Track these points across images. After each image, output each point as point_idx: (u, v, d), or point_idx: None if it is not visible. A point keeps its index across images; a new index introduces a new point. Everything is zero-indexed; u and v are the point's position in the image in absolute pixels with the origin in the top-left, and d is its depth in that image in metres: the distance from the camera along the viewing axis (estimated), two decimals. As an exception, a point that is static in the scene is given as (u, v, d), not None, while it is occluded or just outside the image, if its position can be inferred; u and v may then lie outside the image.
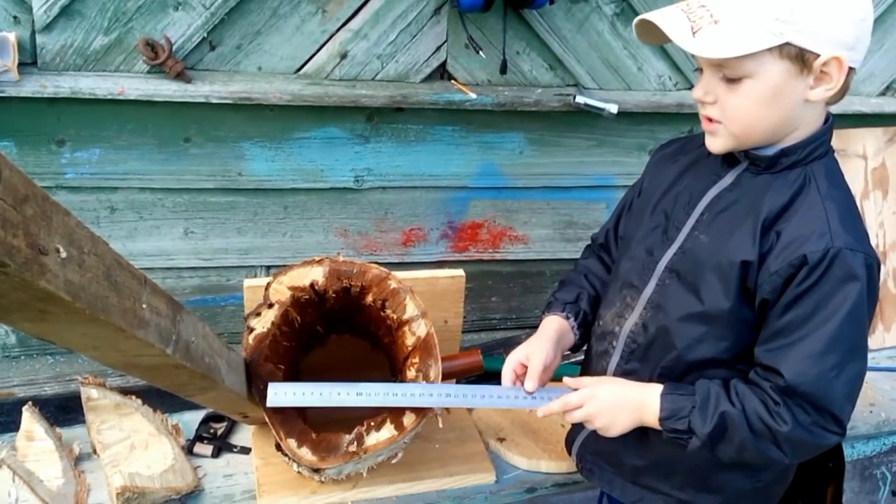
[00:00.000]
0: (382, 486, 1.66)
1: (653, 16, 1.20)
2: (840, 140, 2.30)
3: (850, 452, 2.10)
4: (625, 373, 1.41)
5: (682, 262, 1.32)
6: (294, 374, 1.75)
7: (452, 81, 1.94)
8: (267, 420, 1.44)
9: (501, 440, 1.83)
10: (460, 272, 1.84)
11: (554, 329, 1.49)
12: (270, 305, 1.47)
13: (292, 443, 1.42)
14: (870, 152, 2.34)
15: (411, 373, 1.46)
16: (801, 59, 1.16)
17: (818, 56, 1.15)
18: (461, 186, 2.06)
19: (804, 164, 1.25)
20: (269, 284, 1.48)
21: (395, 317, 1.49)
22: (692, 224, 1.31)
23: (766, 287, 1.22)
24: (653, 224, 1.38)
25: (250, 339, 1.47)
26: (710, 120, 1.25)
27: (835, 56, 1.15)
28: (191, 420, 1.85)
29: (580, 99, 1.94)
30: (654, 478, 1.45)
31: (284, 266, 1.49)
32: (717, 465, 1.37)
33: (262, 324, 1.48)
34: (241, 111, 1.80)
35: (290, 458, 1.44)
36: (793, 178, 1.25)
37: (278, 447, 1.44)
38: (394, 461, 1.57)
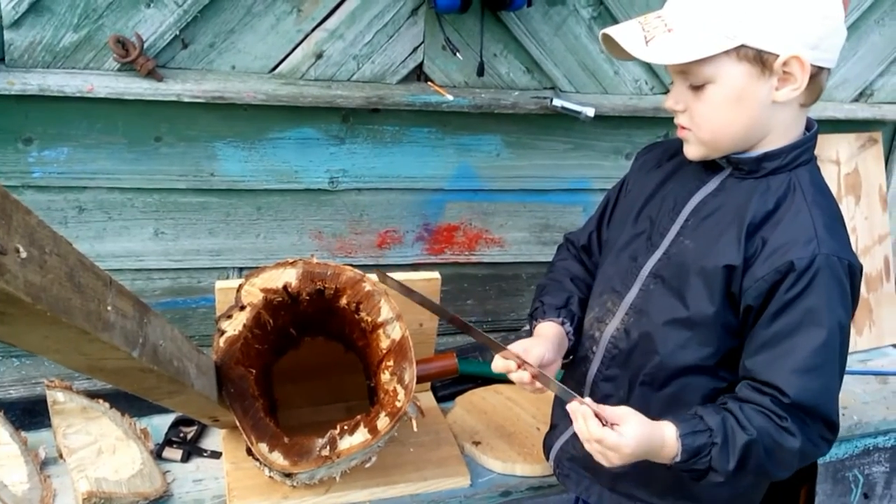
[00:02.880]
0: (356, 490, 1.64)
1: (611, 30, 1.23)
2: (814, 145, 2.31)
3: (822, 456, 2.12)
4: (605, 378, 1.40)
5: (666, 267, 1.31)
6: (266, 378, 1.73)
7: (429, 83, 1.93)
8: (238, 424, 1.41)
9: (477, 444, 1.82)
10: (436, 275, 1.83)
11: (552, 333, 1.45)
12: (242, 308, 1.44)
13: (263, 447, 1.40)
14: (843, 158, 2.36)
15: (385, 376, 1.45)
16: (759, 60, 1.17)
17: (777, 56, 1.15)
18: (437, 189, 2.05)
19: (789, 170, 1.26)
20: (241, 286, 1.46)
21: (369, 319, 1.47)
22: (677, 230, 1.31)
23: (751, 293, 1.22)
24: (637, 230, 1.38)
25: (221, 341, 1.44)
26: (683, 128, 1.27)
27: (794, 55, 1.15)
28: (160, 424, 1.82)
29: (557, 102, 1.93)
30: (633, 485, 1.44)
31: (257, 268, 1.47)
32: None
33: (234, 326, 1.45)
34: (214, 110, 1.78)
35: (261, 463, 1.42)
36: (777, 183, 1.25)
37: (249, 452, 1.42)
38: (367, 465, 1.55)
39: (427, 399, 1.97)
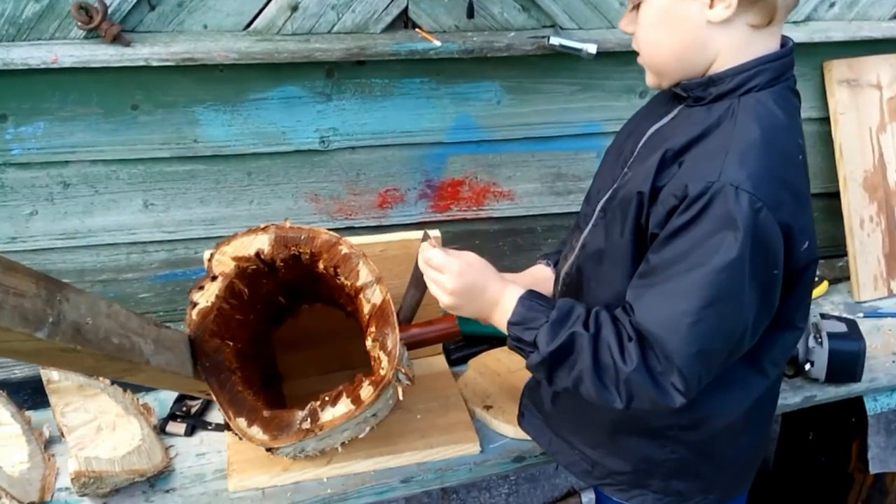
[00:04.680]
0: (359, 460, 1.58)
1: None
2: (851, 69, 2.12)
3: (873, 406, 1.97)
4: None
5: (609, 200, 1.23)
6: (263, 348, 1.67)
7: (416, 29, 1.81)
8: (214, 399, 1.35)
9: (488, 408, 1.73)
10: (436, 232, 1.73)
11: (533, 271, 1.50)
12: (214, 278, 1.38)
13: (242, 422, 1.34)
14: (884, 81, 2.15)
15: (369, 343, 1.36)
16: None
17: None
18: (436, 142, 1.94)
19: (733, 97, 1.13)
20: (211, 256, 1.39)
21: (348, 283, 1.39)
22: (630, 162, 1.21)
23: (653, 220, 1.12)
24: (608, 166, 1.30)
25: (193, 314, 1.38)
26: (638, 53, 1.21)
27: None
28: (166, 398, 1.78)
29: (554, 40, 1.79)
30: (568, 430, 1.41)
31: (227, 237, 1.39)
32: (617, 424, 1.30)
33: (206, 298, 1.39)
34: (189, 74, 1.70)
35: (240, 438, 1.36)
36: (716, 110, 1.14)
37: (228, 426, 1.36)
38: (361, 436, 1.48)
39: (439, 363, 1.89)
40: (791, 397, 1.81)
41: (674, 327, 1.07)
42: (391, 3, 1.76)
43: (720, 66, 1.14)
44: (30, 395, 1.77)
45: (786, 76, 1.16)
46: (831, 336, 1.78)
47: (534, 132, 1.99)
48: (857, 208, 2.15)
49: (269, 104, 1.79)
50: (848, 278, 2.19)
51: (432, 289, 1.28)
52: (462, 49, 1.78)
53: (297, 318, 1.75)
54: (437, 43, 1.77)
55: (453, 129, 1.93)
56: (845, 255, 2.19)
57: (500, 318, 1.21)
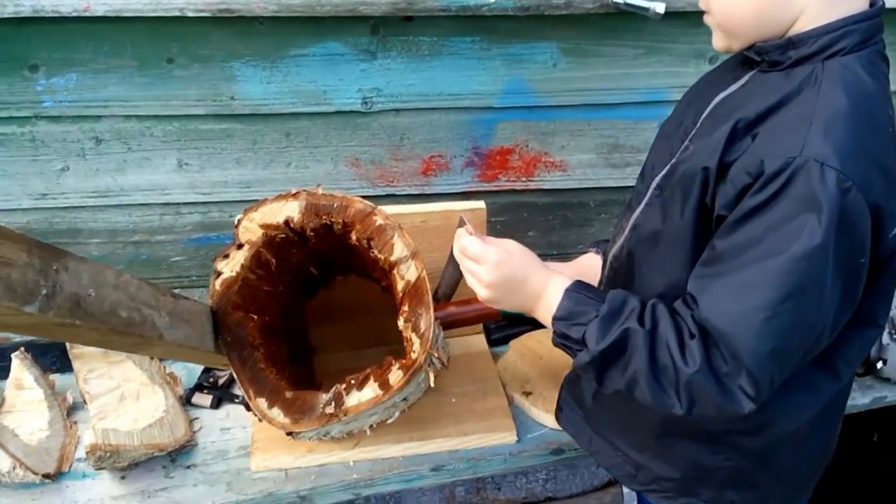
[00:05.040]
0: (387, 445, 1.50)
1: None
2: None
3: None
4: None
5: (669, 176, 1.10)
6: (290, 321, 1.59)
7: (470, -17, 1.68)
8: (234, 376, 1.28)
9: (527, 394, 1.63)
10: (481, 204, 1.63)
11: (582, 260, 1.42)
12: (240, 246, 1.29)
13: (262, 402, 1.26)
14: None
15: (401, 323, 1.27)
16: None
17: None
18: (486, 107, 1.81)
19: (816, 61, 0.99)
20: (238, 222, 1.30)
21: (382, 258, 1.29)
22: (692, 135, 1.09)
23: (720, 200, 0.99)
24: (665, 139, 1.17)
25: (217, 284, 1.30)
26: (705, 13, 1.08)
27: None
28: (195, 368, 1.72)
29: (619, -2, 1.64)
30: (610, 429, 1.30)
31: (257, 202, 1.30)
32: (666, 426, 1.18)
33: (231, 267, 1.31)
34: (226, 26, 1.60)
35: (259, 420, 1.28)
36: (797, 76, 1.00)
37: (247, 406, 1.29)
38: (390, 421, 1.40)
39: (478, 342, 1.79)
40: (859, 398, 1.66)
41: (745, 323, 0.95)
42: (443, -47, 1.63)
43: (803, 27, 1.00)
44: (58, 358, 1.73)
45: (875, 39, 1.02)
46: (909, 332, 1.63)
47: (592, 98, 1.85)
48: None
49: (310, 61, 1.68)
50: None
51: (469, 280, 1.17)
52: (518, 6, 1.64)
53: (331, 291, 1.67)
54: (492, 0, 1.63)
55: (505, 93, 1.80)
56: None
57: (545, 312, 1.10)
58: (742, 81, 1.08)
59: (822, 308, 0.96)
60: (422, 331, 1.24)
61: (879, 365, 1.64)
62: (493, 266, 1.11)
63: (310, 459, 1.46)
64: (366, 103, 1.75)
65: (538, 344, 1.76)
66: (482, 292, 1.14)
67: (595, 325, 1.03)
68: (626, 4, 1.64)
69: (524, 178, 1.93)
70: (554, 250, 2.04)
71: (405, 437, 1.50)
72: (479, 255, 1.12)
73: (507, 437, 1.54)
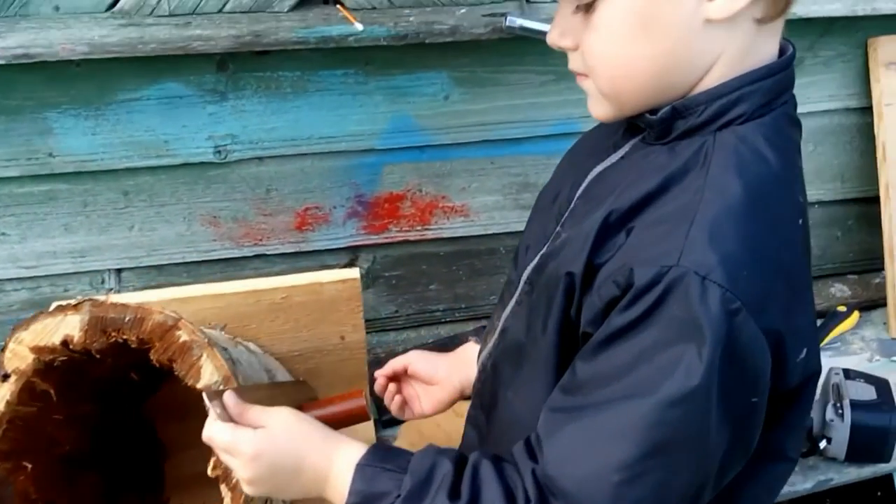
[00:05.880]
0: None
1: None
2: None
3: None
4: (470, 421, 1.03)
5: (536, 270, 0.87)
6: (115, 433, 1.30)
7: (338, 6, 1.39)
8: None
9: None
10: (354, 273, 1.36)
11: (456, 354, 1.15)
12: (5, 377, 0.99)
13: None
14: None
15: (210, 469, 0.97)
16: None
17: None
18: (367, 149, 1.54)
19: (707, 133, 0.76)
20: (5, 346, 1.00)
21: (190, 383, 1.01)
22: (565, 217, 0.87)
23: (586, 314, 0.76)
24: (543, 212, 0.95)
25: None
26: (578, 74, 0.81)
27: None
28: None
29: (512, 21, 1.37)
30: None
31: (34, 315, 1.00)
32: None
33: (-5, 403, 1.00)
34: (35, 71, 1.30)
35: None
36: (683, 152, 0.77)
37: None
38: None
39: (365, 428, 1.52)
40: (801, 482, 1.43)
41: (597, 486, 0.71)
42: (299, -28, 1.34)
43: (712, 83, 0.76)
44: None
45: (782, 98, 0.79)
46: (855, 406, 1.40)
47: (494, 133, 1.58)
48: (898, 223, 1.74)
49: (143, 106, 1.39)
50: (884, 304, 1.80)
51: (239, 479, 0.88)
52: (392, 35, 1.36)
53: (175, 384, 1.38)
54: (359, 27, 1.35)
55: (389, 132, 1.53)
56: (882, 269, 1.80)
57: (337, 498, 0.82)
58: (622, 152, 0.84)
59: (701, 461, 0.72)
60: (233, 482, 0.95)
61: (823, 444, 1.42)
62: (249, 460, 0.82)
63: None
64: (219, 152, 1.46)
65: (434, 427, 1.50)
66: (247, 490, 0.86)
67: None
68: (523, 29, 1.38)
69: (419, 227, 1.66)
70: (462, 303, 1.78)
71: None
72: (230, 447, 0.83)
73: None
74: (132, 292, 1.29)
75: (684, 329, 0.68)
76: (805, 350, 0.77)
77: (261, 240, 1.58)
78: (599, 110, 0.81)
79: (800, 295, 0.78)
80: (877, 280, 1.89)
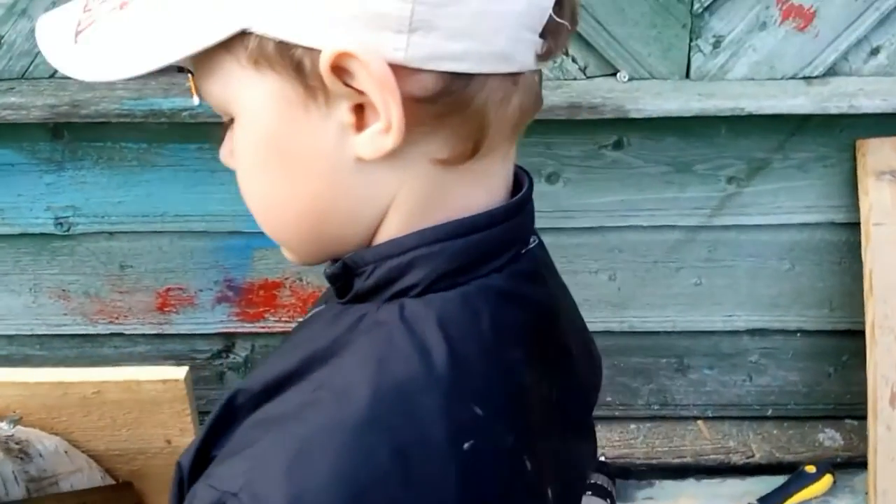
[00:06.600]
0: None
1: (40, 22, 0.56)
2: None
3: None
4: None
5: None
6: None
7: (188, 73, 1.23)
8: None
9: None
10: (179, 374, 1.19)
11: None
12: None
13: None
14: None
15: None
16: (298, 66, 0.49)
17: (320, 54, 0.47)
18: (232, 231, 1.36)
19: (380, 300, 0.55)
20: None
21: None
22: None
23: None
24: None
25: None
26: None
27: (342, 52, 0.45)
28: None
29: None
30: None
31: None
32: None
33: None
34: None
35: None
36: (344, 321, 0.56)
37: None
38: None
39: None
40: None
41: None
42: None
43: (387, 236, 0.54)
44: None
45: (498, 262, 0.53)
46: None
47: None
48: (887, 371, 1.39)
49: (-29, 173, 1.28)
50: (865, 465, 1.45)
51: None
52: (233, 112, 1.19)
53: None
54: (196, 101, 1.17)
55: (257, 214, 1.35)
56: (865, 417, 1.46)
57: None
58: (319, 307, 0.63)
59: None
60: None
61: None
62: None
63: None
64: (60, 224, 1.33)
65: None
66: None
67: None
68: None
69: (301, 318, 1.46)
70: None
71: None
72: None
73: None
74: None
75: None
76: None
77: (117, 318, 1.43)
78: (287, 255, 0.61)
79: None
80: (855, 423, 1.55)
